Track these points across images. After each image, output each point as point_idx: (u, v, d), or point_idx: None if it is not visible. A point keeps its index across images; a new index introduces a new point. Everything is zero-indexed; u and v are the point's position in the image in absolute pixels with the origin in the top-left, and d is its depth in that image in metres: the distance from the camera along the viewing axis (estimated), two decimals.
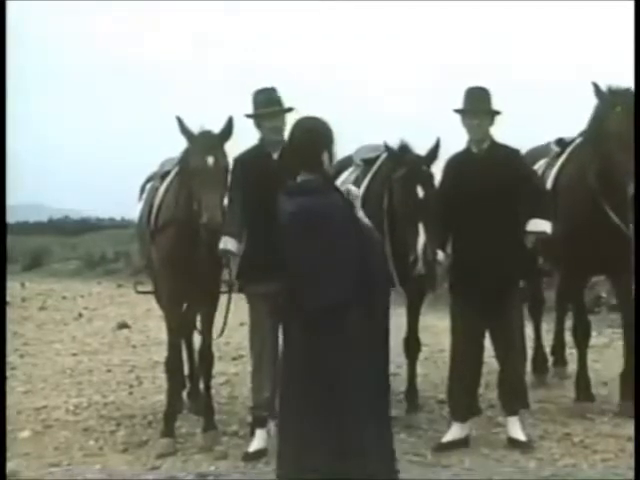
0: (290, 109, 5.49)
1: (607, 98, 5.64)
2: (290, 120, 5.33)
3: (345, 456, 3.79)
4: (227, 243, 5.35)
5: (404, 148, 5.49)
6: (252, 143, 5.67)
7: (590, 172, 5.76)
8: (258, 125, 5.57)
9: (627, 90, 5.63)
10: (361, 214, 4.01)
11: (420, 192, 5.25)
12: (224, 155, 5.38)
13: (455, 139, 5.67)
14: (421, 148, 5.53)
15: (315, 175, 3.96)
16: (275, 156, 5.48)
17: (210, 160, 5.25)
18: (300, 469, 3.85)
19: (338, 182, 6.54)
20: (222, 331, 5.77)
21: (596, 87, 5.65)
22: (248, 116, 5.56)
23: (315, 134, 4.01)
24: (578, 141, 6.20)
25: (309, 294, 3.83)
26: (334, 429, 3.79)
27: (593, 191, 5.72)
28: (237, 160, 5.56)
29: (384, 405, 4.00)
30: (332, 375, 3.81)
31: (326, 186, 3.97)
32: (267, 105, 5.50)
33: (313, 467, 3.80)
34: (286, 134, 5.39)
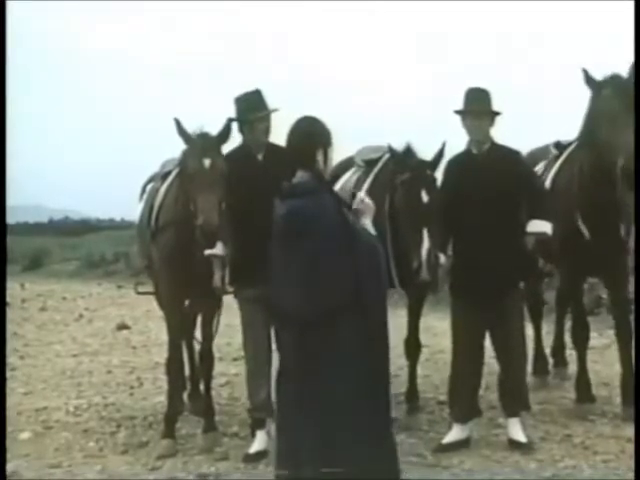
0: (275, 110, 5.51)
1: (596, 84, 5.60)
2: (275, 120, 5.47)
3: (337, 458, 3.79)
4: (218, 247, 5.34)
5: (408, 151, 5.49)
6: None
7: (577, 176, 5.79)
8: (242, 129, 5.55)
9: (616, 75, 5.57)
10: (367, 222, 4.01)
11: (425, 197, 5.25)
12: (221, 157, 5.38)
13: (456, 140, 5.68)
14: (421, 150, 5.54)
15: (309, 175, 3.96)
16: (260, 157, 5.50)
17: (207, 162, 5.25)
18: (297, 469, 3.85)
19: (340, 183, 6.55)
20: (214, 334, 5.77)
21: (585, 74, 5.57)
22: (234, 120, 5.52)
23: (311, 133, 4.03)
24: (575, 144, 6.20)
25: (300, 299, 3.83)
26: (328, 430, 3.79)
27: (578, 197, 5.74)
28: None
29: (381, 405, 3.98)
30: (325, 376, 3.81)
31: (319, 188, 3.96)
32: (259, 108, 5.50)
33: (310, 467, 3.80)
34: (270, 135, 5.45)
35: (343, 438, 3.79)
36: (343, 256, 3.82)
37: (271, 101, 5.57)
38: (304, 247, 3.82)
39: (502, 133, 5.63)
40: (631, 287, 6.13)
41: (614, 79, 5.53)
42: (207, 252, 5.27)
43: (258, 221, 4.78)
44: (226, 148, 5.55)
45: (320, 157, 4.00)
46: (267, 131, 5.52)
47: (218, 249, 5.31)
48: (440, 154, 5.46)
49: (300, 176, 3.99)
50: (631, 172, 5.14)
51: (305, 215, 3.86)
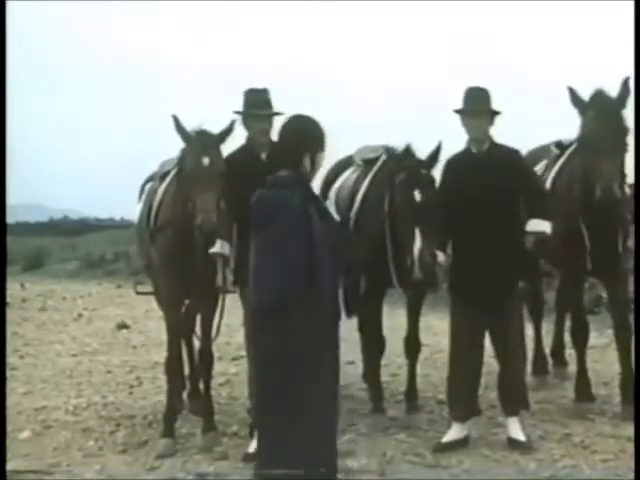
0: (278, 113, 5.45)
1: (582, 103, 5.63)
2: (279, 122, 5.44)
3: (288, 456, 3.78)
4: (217, 246, 5.33)
5: (407, 151, 5.48)
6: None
7: (576, 180, 5.80)
8: (245, 124, 5.57)
9: (600, 92, 5.60)
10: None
11: (417, 196, 5.25)
12: (220, 156, 5.36)
13: (455, 140, 5.67)
14: (421, 150, 5.54)
15: (292, 173, 3.93)
16: (263, 157, 5.49)
17: (206, 160, 5.24)
18: (272, 467, 3.84)
19: (339, 182, 6.56)
20: (217, 333, 5.75)
21: (571, 92, 5.61)
22: (237, 113, 5.55)
23: (301, 135, 3.91)
24: (575, 145, 6.21)
25: (256, 290, 3.86)
26: (284, 426, 3.79)
27: (576, 198, 5.76)
28: (226, 161, 5.50)
29: (325, 403, 3.95)
30: (285, 371, 3.78)
31: (294, 183, 3.89)
32: (257, 106, 5.49)
33: (283, 466, 3.79)
34: (273, 136, 5.43)
35: (296, 435, 3.78)
36: (300, 248, 3.77)
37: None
38: (263, 236, 3.84)
39: (502, 133, 5.63)
40: (631, 287, 6.14)
41: (599, 99, 5.56)
42: (211, 250, 5.26)
43: None
44: (230, 148, 5.56)
45: (307, 162, 3.90)
46: (268, 131, 5.50)
47: (219, 247, 5.30)
48: (436, 153, 5.47)
49: (284, 172, 3.97)
50: (607, 203, 5.26)
51: (266, 206, 3.85)
